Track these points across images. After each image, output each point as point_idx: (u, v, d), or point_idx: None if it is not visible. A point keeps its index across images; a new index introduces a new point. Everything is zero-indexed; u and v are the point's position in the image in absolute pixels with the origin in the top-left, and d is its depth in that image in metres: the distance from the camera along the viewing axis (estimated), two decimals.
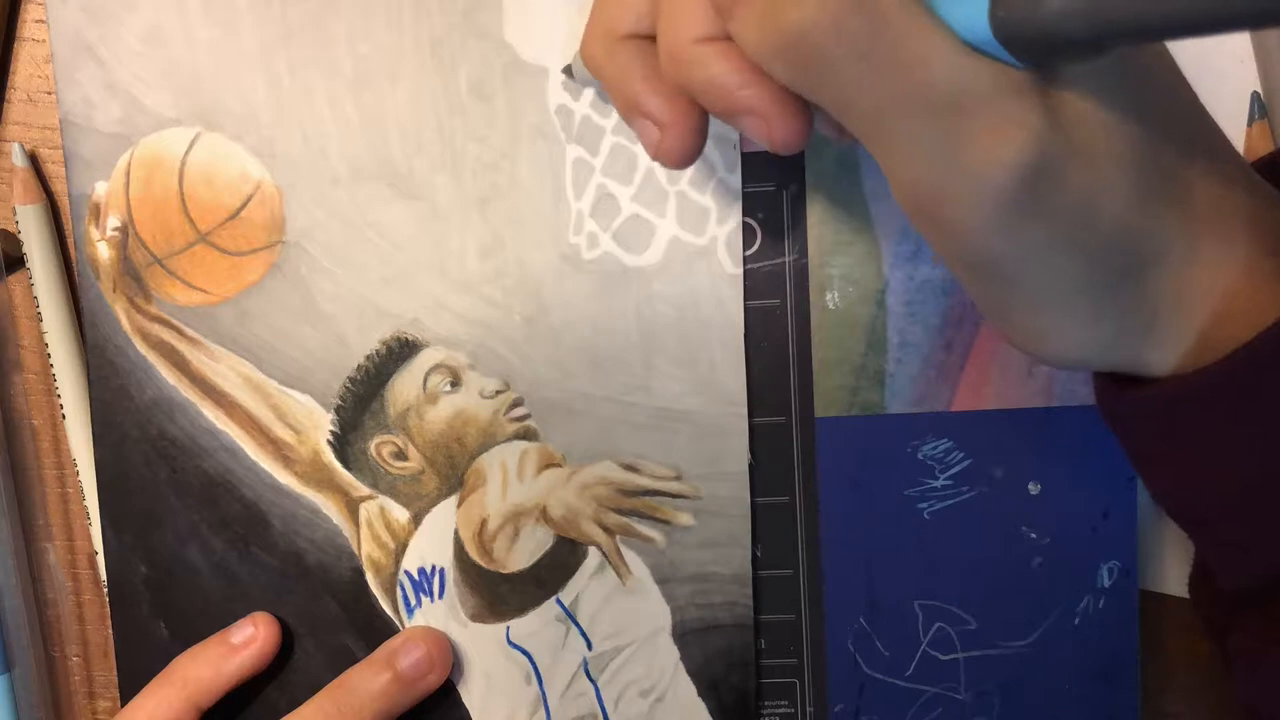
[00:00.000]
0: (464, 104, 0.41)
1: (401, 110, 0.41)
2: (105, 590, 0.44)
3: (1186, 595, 0.41)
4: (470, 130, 0.41)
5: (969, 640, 0.43)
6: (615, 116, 0.41)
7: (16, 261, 0.44)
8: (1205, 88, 0.31)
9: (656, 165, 0.41)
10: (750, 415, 0.42)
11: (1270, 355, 0.29)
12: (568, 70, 0.40)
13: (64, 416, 0.44)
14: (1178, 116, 0.30)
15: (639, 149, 0.41)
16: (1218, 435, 0.31)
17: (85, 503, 0.44)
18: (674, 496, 0.42)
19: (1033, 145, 0.26)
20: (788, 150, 0.30)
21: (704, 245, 0.41)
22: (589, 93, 0.41)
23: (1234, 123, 0.40)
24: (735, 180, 0.41)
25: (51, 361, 0.44)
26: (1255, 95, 0.40)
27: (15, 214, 0.43)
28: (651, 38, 0.32)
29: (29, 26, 0.44)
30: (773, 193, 0.42)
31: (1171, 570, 0.43)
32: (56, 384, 0.44)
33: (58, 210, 0.44)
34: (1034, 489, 0.42)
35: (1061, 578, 0.42)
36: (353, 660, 0.43)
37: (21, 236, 0.43)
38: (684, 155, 0.33)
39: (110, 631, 0.45)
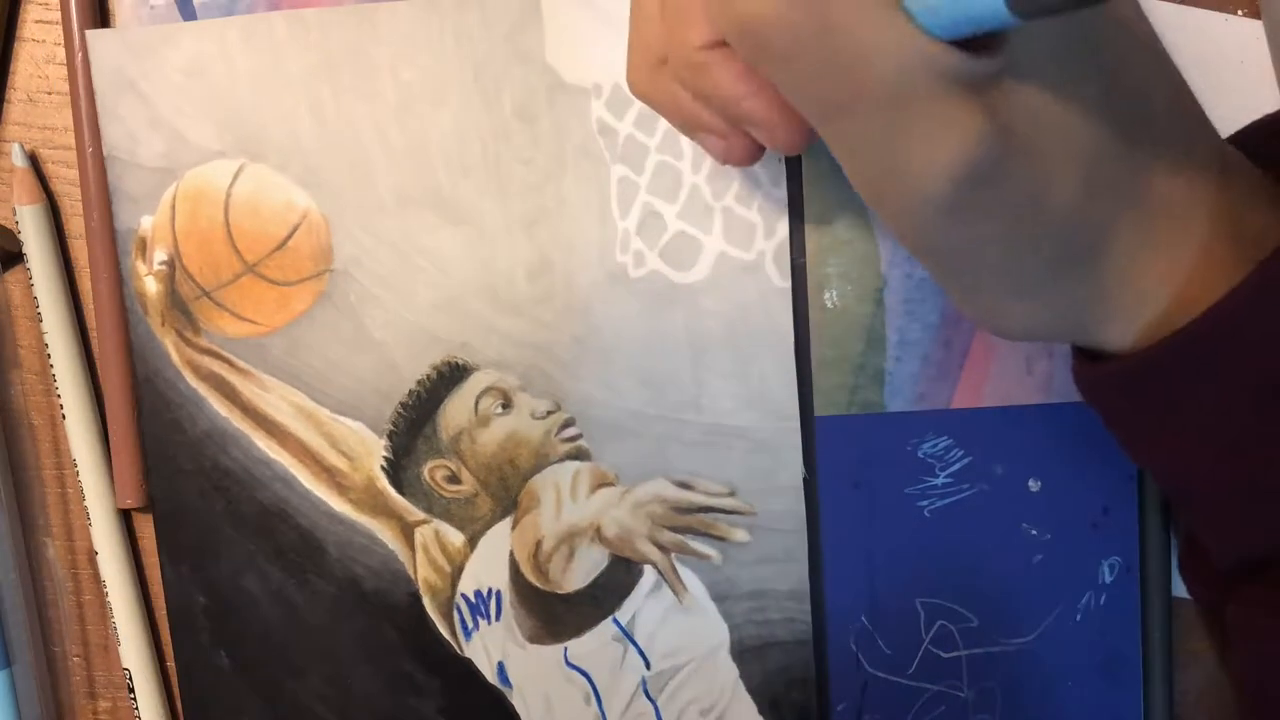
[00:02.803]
0: (508, 127, 0.41)
1: (446, 135, 0.41)
2: (106, 591, 0.45)
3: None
4: (515, 153, 0.41)
5: (971, 638, 0.43)
6: (660, 135, 0.41)
7: (15, 257, 0.44)
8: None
9: (701, 182, 0.41)
10: None
11: (1216, 330, 0.29)
12: None
13: (64, 417, 0.44)
14: (1147, 99, 0.29)
15: (684, 166, 0.41)
16: (1179, 406, 0.31)
17: (85, 503, 0.44)
18: (728, 513, 0.42)
19: (970, 149, 0.26)
20: (791, 153, 0.32)
21: (751, 260, 0.41)
22: (632, 112, 0.41)
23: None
24: (781, 193, 0.41)
25: (51, 362, 0.44)
26: None
27: (15, 214, 0.43)
28: None
29: (29, 27, 0.44)
30: None
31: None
32: (56, 384, 0.44)
33: (58, 210, 0.44)
34: (1034, 486, 0.42)
35: (1063, 574, 0.42)
36: (411, 686, 0.43)
37: (21, 237, 0.43)
38: (750, 156, 0.33)
39: (110, 631, 0.45)
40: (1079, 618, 0.42)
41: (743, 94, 0.30)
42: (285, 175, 0.42)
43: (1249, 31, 0.40)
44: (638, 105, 0.41)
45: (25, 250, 0.44)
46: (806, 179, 0.41)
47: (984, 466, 0.42)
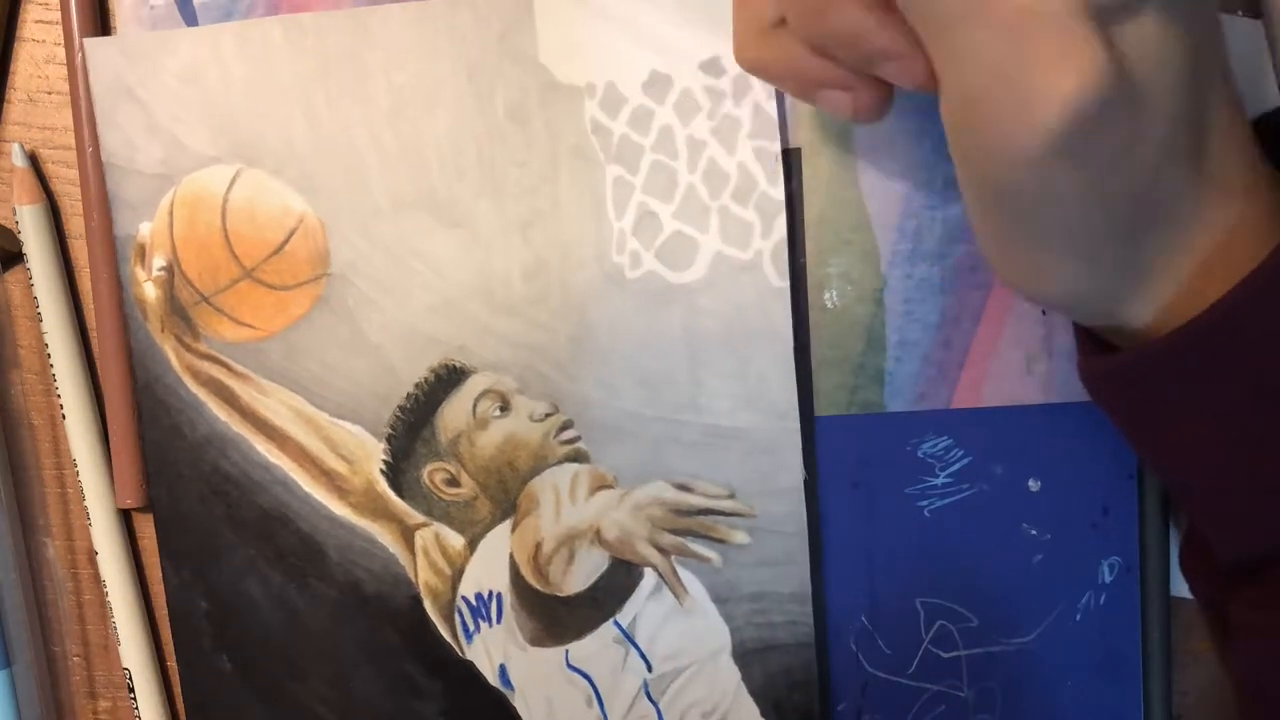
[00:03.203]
0: (502, 128, 0.41)
1: (440, 138, 0.41)
2: (106, 591, 0.45)
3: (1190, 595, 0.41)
4: (509, 154, 0.41)
5: (971, 638, 0.43)
6: (654, 134, 0.41)
7: (15, 257, 0.44)
8: None
9: (697, 181, 0.41)
10: None
11: (1217, 328, 0.29)
12: None
13: (64, 416, 0.44)
14: (1214, 66, 0.29)
15: (679, 165, 0.41)
16: (1185, 401, 0.31)
17: (85, 503, 0.45)
18: (728, 515, 0.42)
19: (1095, 82, 0.25)
20: (925, 89, 0.29)
21: (749, 259, 0.41)
22: (626, 111, 0.41)
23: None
24: (778, 192, 0.41)
25: (51, 362, 0.44)
26: None
27: (15, 214, 0.44)
28: None
29: (29, 27, 0.44)
30: None
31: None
32: (56, 384, 0.44)
33: (58, 210, 0.44)
34: (1034, 486, 0.42)
35: (1063, 574, 0.42)
36: (412, 689, 0.44)
37: (21, 237, 0.44)
38: (881, 106, 0.32)
39: (110, 631, 0.46)
40: (1079, 618, 0.42)
41: (871, 26, 0.29)
42: (281, 180, 0.42)
43: (1249, 31, 0.40)
44: (631, 104, 0.41)
45: (25, 250, 0.44)
46: (806, 179, 0.41)
47: (984, 466, 0.42)
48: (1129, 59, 0.26)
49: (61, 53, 0.44)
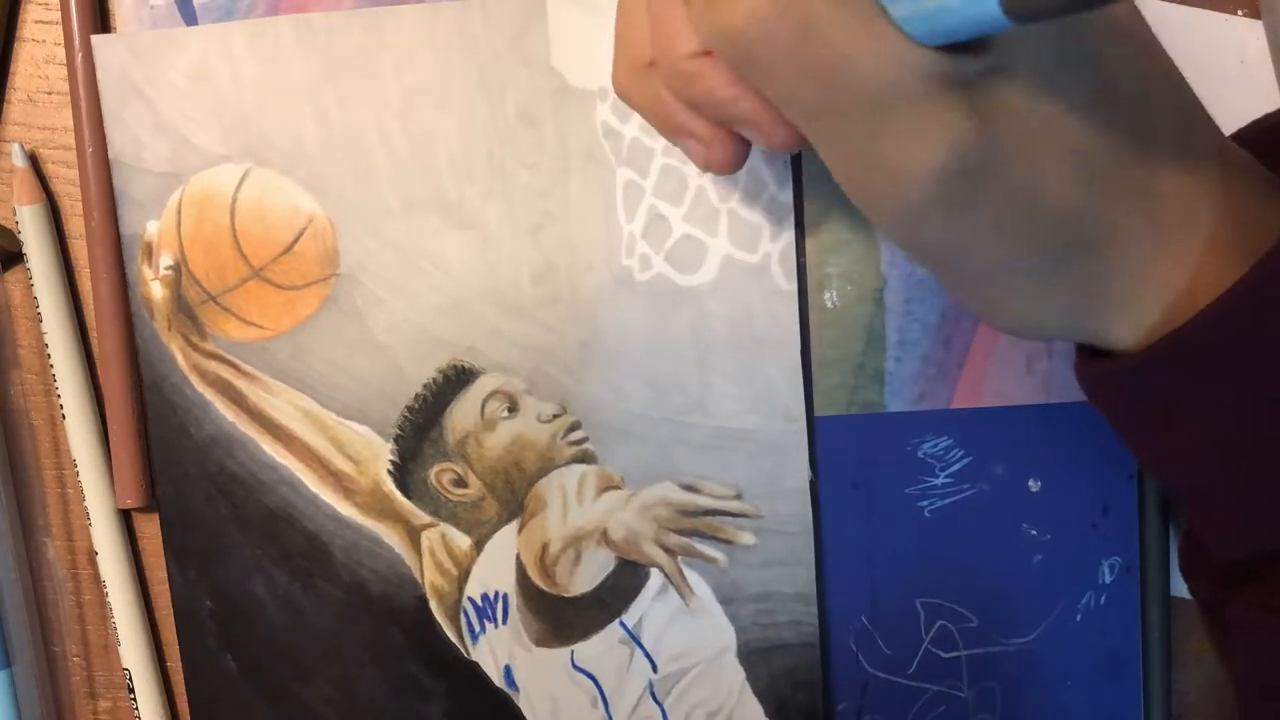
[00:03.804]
0: (513, 131, 0.41)
1: (451, 139, 0.41)
2: (106, 591, 0.45)
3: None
4: (520, 157, 0.41)
5: (971, 638, 0.43)
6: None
7: (15, 257, 0.44)
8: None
9: (707, 184, 0.41)
10: None
11: (1213, 329, 0.29)
12: None
13: (64, 417, 0.44)
14: (1145, 97, 0.29)
15: (690, 169, 0.41)
16: (1179, 406, 0.31)
17: (85, 503, 0.44)
18: (735, 516, 0.42)
19: (952, 148, 0.27)
20: (785, 152, 0.31)
21: (757, 262, 0.41)
22: (637, 115, 0.41)
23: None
24: (786, 196, 0.41)
25: (51, 362, 0.44)
26: None
27: (15, 214, 0.43)
28: None
29: (29, 27, 0.44)
30: None
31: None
32: (56, 384, 0.44)
33: (58, 210, 0.44)
34: (1034, 486, 0.42)
35: (1063, 574, 0.42)
36: (417, 689, 0.43)
37: (21, 237, 0.43)
38: (733, 163, 0.34)
39: (110, 631, 0.45)
40: (1079, 618, 0.42)
41: (735, 97, 0.30)
42: (291, 180, 0.42)
43: (1249, 31, 0.40)
44: None
45: (25, 250, 0.44)
46: (805, 179, 0.41)
47: (984, 466, 0.42)
48: (1001, 115, 0.27)
49: (61, 53, 0.43)
